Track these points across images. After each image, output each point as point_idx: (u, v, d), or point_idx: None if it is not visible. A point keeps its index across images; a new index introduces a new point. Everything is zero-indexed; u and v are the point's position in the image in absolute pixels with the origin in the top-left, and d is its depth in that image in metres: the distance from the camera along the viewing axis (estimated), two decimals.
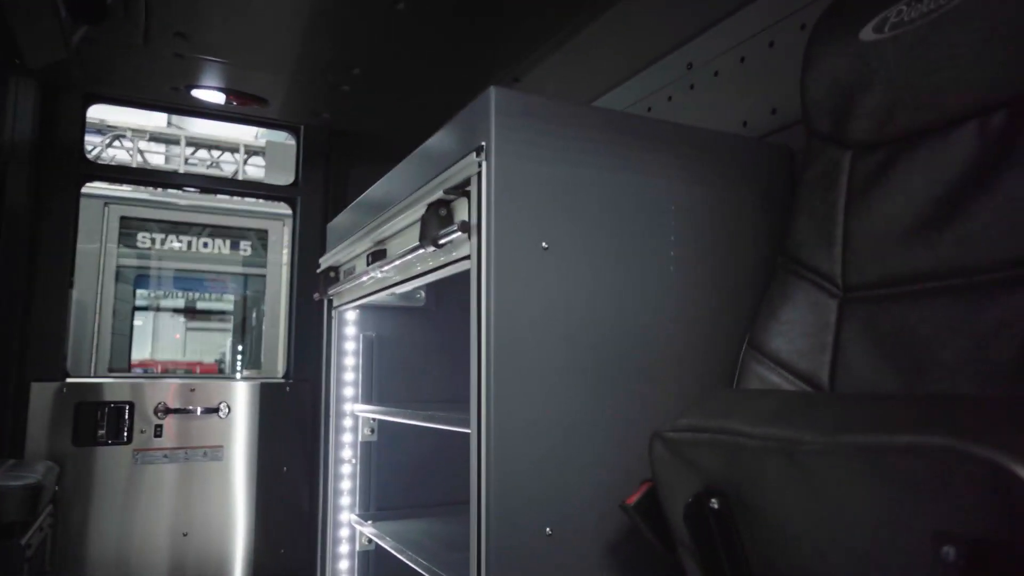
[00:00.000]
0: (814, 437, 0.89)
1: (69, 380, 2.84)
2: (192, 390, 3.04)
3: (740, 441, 0.99)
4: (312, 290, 2.57)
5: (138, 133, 6.73)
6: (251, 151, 6.75)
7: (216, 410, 3.06)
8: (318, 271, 2.51)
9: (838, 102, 1.29)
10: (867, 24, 1.22)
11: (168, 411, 2.98)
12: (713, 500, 1.07)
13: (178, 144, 6.81)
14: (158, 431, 2.95)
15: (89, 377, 3.69)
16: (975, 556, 0.75)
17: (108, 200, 4.42)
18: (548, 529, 1.32)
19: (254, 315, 6.39)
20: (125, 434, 2.89)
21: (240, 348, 6.42)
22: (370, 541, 2.33)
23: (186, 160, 6.93)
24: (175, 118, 6.84)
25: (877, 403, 0.92)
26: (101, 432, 2.85)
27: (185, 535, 2.96)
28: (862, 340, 1.18)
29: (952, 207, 1.08)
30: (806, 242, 1.32)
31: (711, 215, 1.51)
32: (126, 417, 2.89)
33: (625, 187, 1.43)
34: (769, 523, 1.01)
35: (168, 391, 3.00)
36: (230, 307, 7.04)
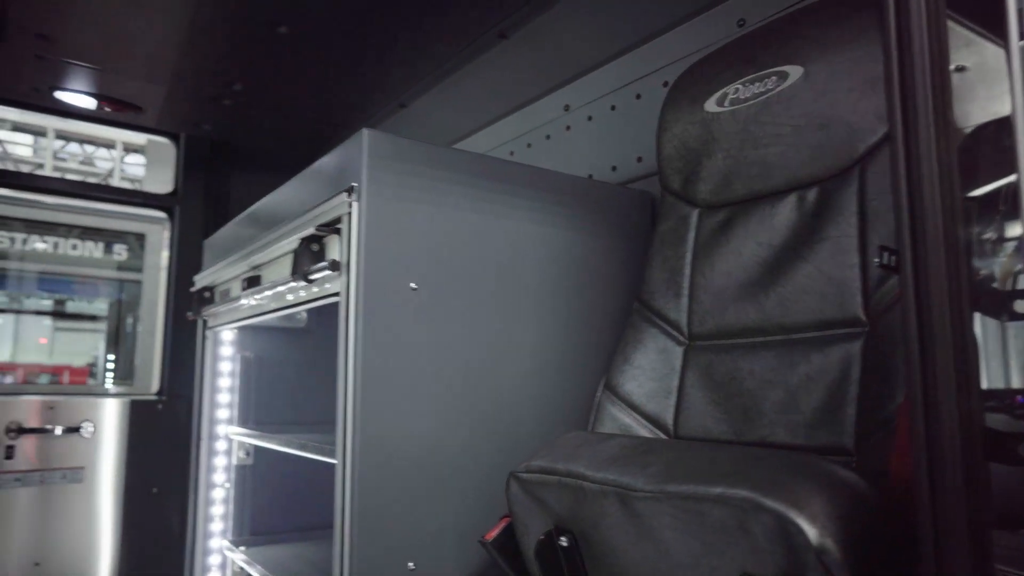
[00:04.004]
0: (644, 484, 0.98)
1: None
2: (51, 408, 2.86)
3: (583, 485, 1.07)
4: (190, 302, 2.48)
5: (0, 122, 6.22)
6: (130, 148, 6.37)
7: (77, 429, 2.89)
8: (192, 290, 2.43)
9: (687, 164, 1.41)
10: (711, 97, 1.35)
11: (22, 431, 2.78)
12: (562, 538, 1.15)
13: (45, 136, 6.34)
14: (9, 452, 2.75)
15: None
16: None
17: None
18: (411, 564, 1.35)
19: (129, 321, 6.04)
20: None
21: (112, 358, 6.04)
22: (241, 570, 2.28)
23: (55, 155, 6.45)
24: None
25: (701, 454, 1.02)
26: None
27: (37, 565, 2.77)
28: (702, 386, 1.29)
29: (776, 269, 1.21)
30: (658, 290, 1.43)
31: (574, 258, 1.60)
32: None
33: (492, 230, 1.49)
34: (609, 559, 1.09)
35: (22, 409, 2.80)
36: (103, 310, 6.61)
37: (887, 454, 0.98)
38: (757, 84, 1.26)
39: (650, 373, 1.37)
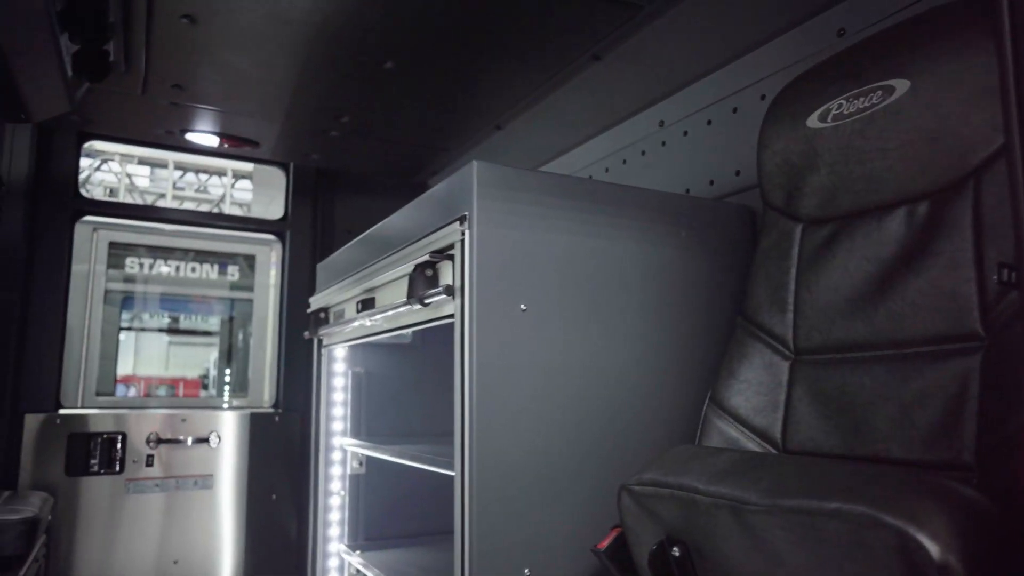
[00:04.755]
0: (757, 498, 1.01)
1: (62, 411, 2.91)
2: (183, 420, 3.12)
3: (695, 498, 1.11)
4: (300, 321, 2.66)
5: (126, 157, 6.80)
6: (239, 175, 6.83)
7: (207, 440, 3.14)
8: (308, 311, 2.61)
9: (789, 180, 1.42)
10: (813, 113, 1.36)
11: (160, 441, 3.05)
12: (674, 548, 1.19)
13: (166, 167, 6.90)
14: (149, 460, 3.02)
15: (78, 403, 3.74)
16: None
17: (97, 226, 4.48)
18: (527, 570, 1.42)
19: (240, 337, 6.44)
20: (117, 464, 2.95)
21: (227, 372, 6.46)
22: (358, 572, 2.42)
23: (174, 184, 7.00)
24: None
25: (813, 468, 1.04)
26: (93, 462, 2.92)
27: (176, 563, 3.03)
28: (810, 401, 1.30)
29: (885, 284, 1.21)
30: (762, 306, 1.45)
31: (677, 275, 1.63)
32: (118, 447, 2.96)
33: (596, 250, 1.55)
34: (721, 570, 1.12)
35: (159, 421, 3.07)
36: (215, 326, 7.07)
37: (1012, 471, 0.97)
38: (862, 99, 1.26)
39: (756, 387, 1.39)
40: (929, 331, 1.14)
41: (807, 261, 1.38)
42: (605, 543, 1.35)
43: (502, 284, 1.45)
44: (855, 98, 1.28)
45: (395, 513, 2.57)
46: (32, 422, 2.83)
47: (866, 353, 1.23)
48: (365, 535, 2.53)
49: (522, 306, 1.46)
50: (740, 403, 1.39)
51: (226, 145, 3.03)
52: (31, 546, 2.15)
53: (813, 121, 1.36)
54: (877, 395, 1.18)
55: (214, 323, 7.18)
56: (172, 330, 7.47)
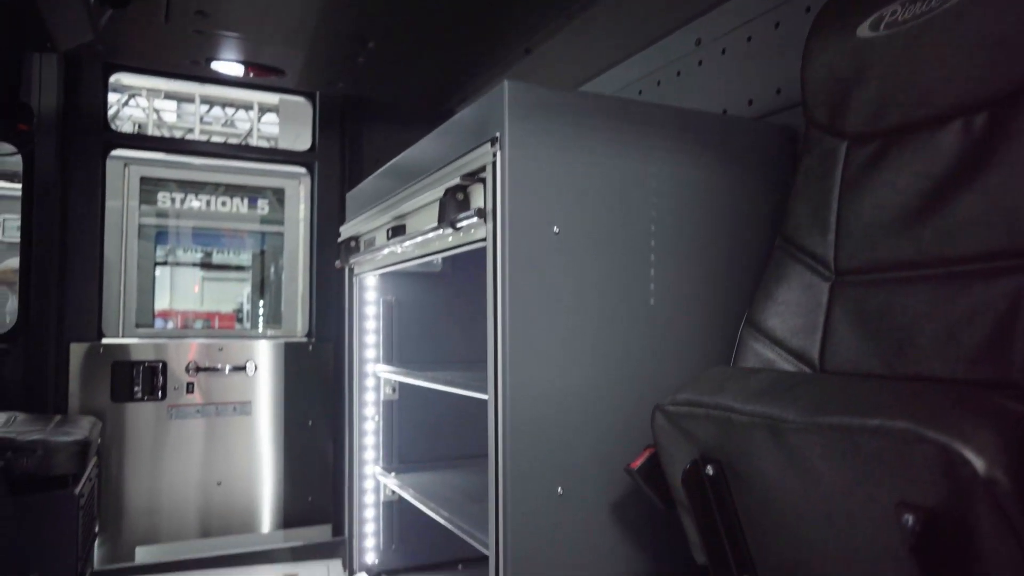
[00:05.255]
0: (795, 416, 1.01)
1: (104, 340, 3.00)
2: (220, 349, 3.20)
3: (731, 416, 1.11)
4: (330, 251, 2.67)
5: (153, 92, 6.77)
6: (265, 108, 6.78)
7: (243, 368, 3.22)
8: (339, 240, 2.62)
9: (835, 95, 1.35)
10: (864, 22, 1.28)
11: (198, 369, 3.14)
12: (708, 467, 1.19)
13: (192, 102, 6.87)
14: (189, 388, 3.12)
15: (119, 334, 3.85)
16: (931, 523, 0.87)
17: (128, 161, 4.51)
18: (560, 489, 1.45)
19: (272, 271, 6.53)
20: (159, 391, 3.05)
21: (261, 305, 6.58)
22: (393, 492, 2.50)
23: (201, 119, 6.98)
24: None
25: (853, 386, 1.03)
26: (137, 389, 3.02)
27: (219, 484, 3.16)
28: (850, 322, 1.28)
29: (936, 201, 1.17)
30: (802, 226, 1.41)
31: (714, 196, 1.59)
32: (159, 375, 3.06)
33: (630, 172, 1.51)
34: (756, 488, 1.13)
35: (197, 349, 3.15)
36: (247, 261, 7.18)
37: None
38: (919, 4, 1.18)
39: (795, 309, 1.37)
40: (981, 248, 1.09)
41: (851, 179, 1.33)
42: (638, 463, 1.37)
43: (534, 207, 1.42)
44: (911, 3, 1.20)
45: (428, 437, 2.63)
46: (77, 351, 2.92)
47: (911, 272, 1.19)
48: (400, 458, 2.60)
49: (555, 229, 1.44)
50: (777, 325, 1.37)
51: (251, 74, 2.99)
52: (84, 466, 2.25)
53: (863, 30, 1.28)
54: (922, 315, 1.15)
55: (246, 258, 7.28)
56: (205, 264, 7.59)
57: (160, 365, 3.06)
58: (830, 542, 1.03)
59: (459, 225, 1.55)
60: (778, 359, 1.37)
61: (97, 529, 2.83)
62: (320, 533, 3.27)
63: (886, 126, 1.27)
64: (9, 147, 2.79)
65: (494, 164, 1.42)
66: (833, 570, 1.05)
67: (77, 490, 2.19)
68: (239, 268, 7.58)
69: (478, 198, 1.51)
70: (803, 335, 1.35)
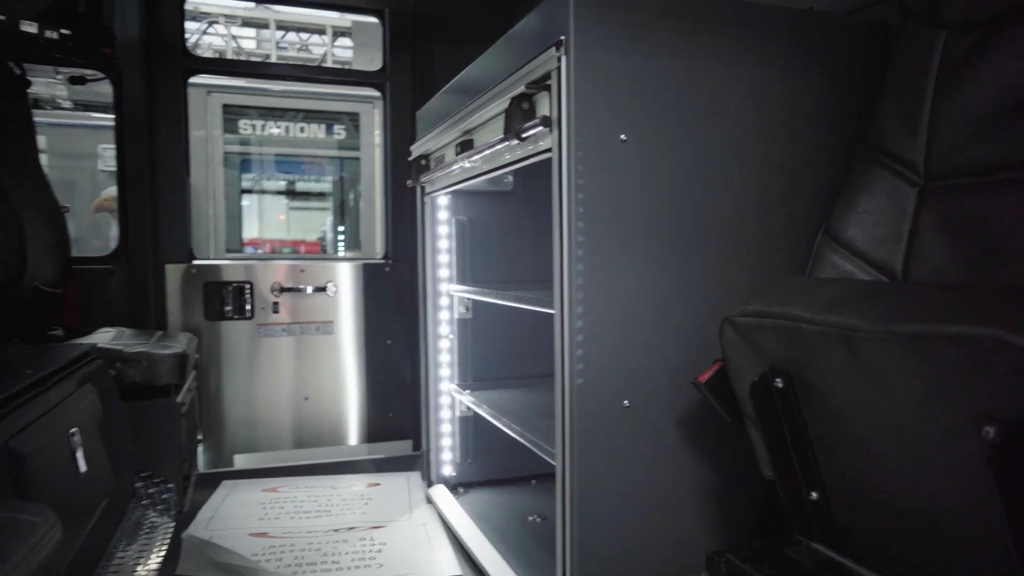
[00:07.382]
0: (868, 325, 0.96)
1: (195, 262, 3.17)
2: (302, 271, 3.32)
3: (801, 327, 1.07)
4: (404, 173, 2.69)
5: (230, 19, 6.87)
6: (338, 31, 6.78)
7: (324, 288, 3.34)
8: (410, 159, 2.63)
9: None
10: None
11: (283, 290, 3.29)
12: (777, 379, 1.17)
13: (267, 28, 6.93)
14: (275, 307, 3.28)
15: (211, 258, 4.05)
16: (1012, 435, 0.83)
17: (210, 88, 4.64)
18: (626, 402, 1.46)
19: (351, 196, 6.68)
20: (248, 311, 3.22)
21: (341, 229, 6.77)
22: (468, 408, 2.58)
23: (277, 44, 7.06)
24: None
25: (931, 294, 0.97)
26: (227, 308, 3.19)
27: (306, 399, 3.35)
28: (938, 230, 1.20)
29: None
30: (890, 129, 1.31)
31: (791, 100, 1.49)
32: (247, 295, 3.22)
33: (704, 74, 1.43)
34: (826, 400, 1.10)
35: (280, 271, 3.29)
36: (329, 188, 7.36)
37: None
38: None
39: (878, 217, 1.29)
40: None
41: (948, 75, 1.21)
42: (706, 376, 1.35)
43: (601, 114, 1.38)
44: None
45: (502, 356, 2.69)
46: (172, 272, 3.11)
47: (1008, 175, 1.10)
48: (474, 376, 2.67)
49: (622, 136, 1.39)
50: (858, 235, 1.30)
51: None
52: (184, 377, 2.42)
53: None
54: (1017, 221, 1.06)
55: (327, 186, 7.45)
56: (289, 192, 7.83)
57: (248, 286, 3.22)
58: (900, 456, 1.00)
59: (524, 135, 1.52)
60: (857, 270, 1.31)
61: (200, 436, 3.07)
62: (402, 447, 3.44)
63: (992, 13, 1.14)
64: (97, 74, 2.91)
65: (559, 70, 1.38)
66: (903, 486, 1.03)
67: (179, 398, 2.37)
68: (321, 195, 7.79)
69: (543, 106, 1.48)
70: (886, 245, 1.28)
